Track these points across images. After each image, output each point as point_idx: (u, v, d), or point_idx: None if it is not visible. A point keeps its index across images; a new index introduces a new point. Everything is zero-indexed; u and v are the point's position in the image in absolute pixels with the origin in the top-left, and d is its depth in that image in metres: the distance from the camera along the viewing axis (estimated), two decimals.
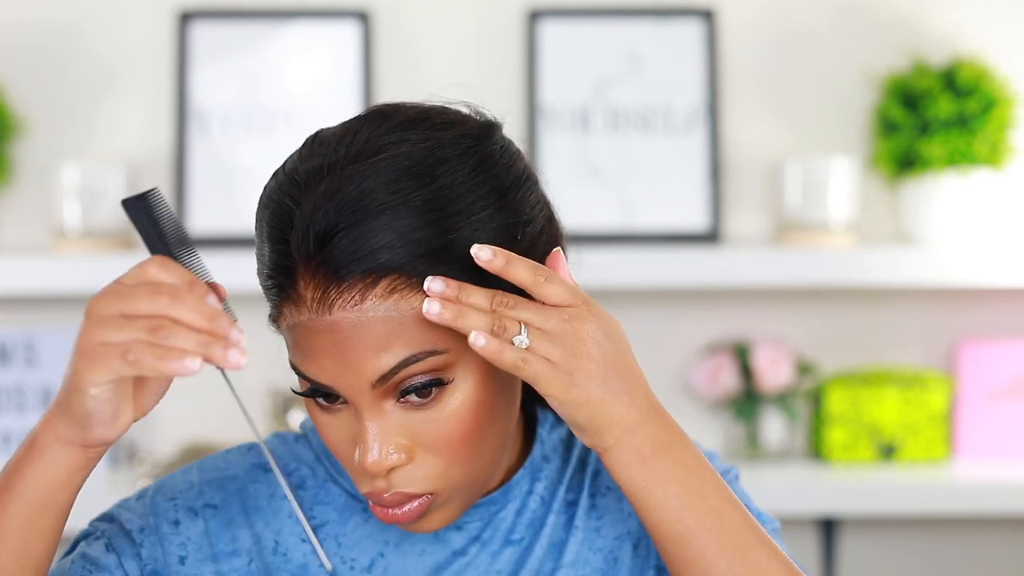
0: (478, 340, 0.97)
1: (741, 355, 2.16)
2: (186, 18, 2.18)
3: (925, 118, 2.09)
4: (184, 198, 2.15)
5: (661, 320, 2.20)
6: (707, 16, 2.19)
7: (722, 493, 1.02)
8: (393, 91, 2.14)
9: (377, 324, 0.98)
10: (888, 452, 2.15)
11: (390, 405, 1.00)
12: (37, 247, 2.17)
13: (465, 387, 1.01)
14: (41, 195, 2.16)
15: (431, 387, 1.00)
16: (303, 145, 1.05)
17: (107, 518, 1.12)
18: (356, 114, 1.07)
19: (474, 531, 1.11)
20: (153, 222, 0.96)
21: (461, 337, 0.98)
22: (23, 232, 2.19)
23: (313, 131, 1.06)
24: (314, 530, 1.11)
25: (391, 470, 1.01)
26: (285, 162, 1.04)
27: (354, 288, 0.97)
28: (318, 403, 1.03)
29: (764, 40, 2.21)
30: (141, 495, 1.13)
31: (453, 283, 0.97)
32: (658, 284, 2.05)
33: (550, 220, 1.11)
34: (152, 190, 0.97)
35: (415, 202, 0.99)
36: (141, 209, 0.96)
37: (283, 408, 2.11)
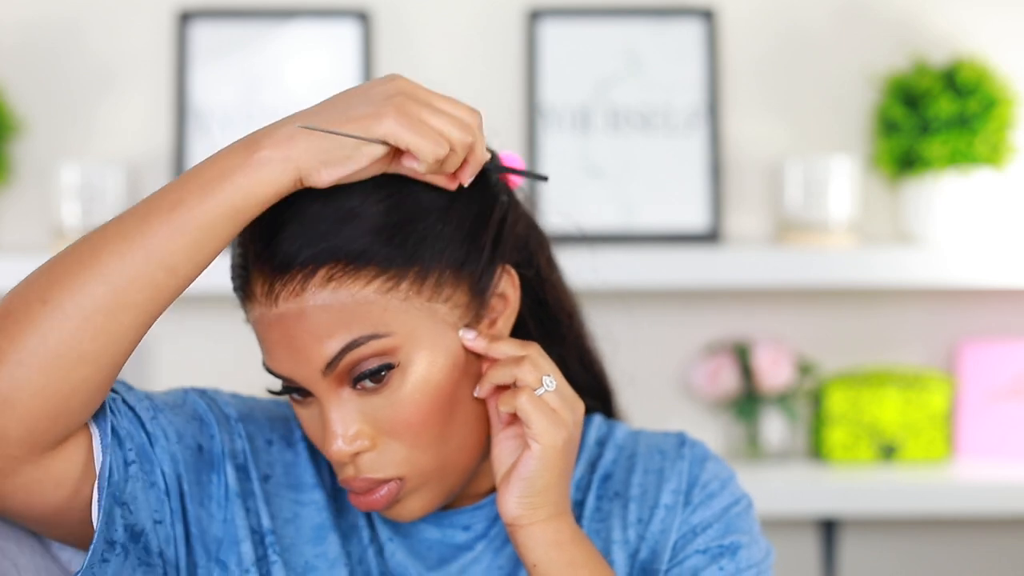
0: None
1: (741, 355, 2.16)
2: (186, 18, 2.18)
3: (926, 118, 2.08)
4: None
5: (661, 320, 2.20)
6: (707, 16, 2.19)
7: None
8: None
9: (318, 312, 1.00)
10: (888, 452, 2.15)
11: (347, 392, 1.03)
12: (37, 247, 2.17)
13: (417, 370, 1.03)
14: (41, 195, 2.16)
15: (382, 371, 1.02)
16: None
17: (202, 391, 1.14)
18: None
19: (480, 529, 1.13)
20: None
21: (404, 320, 1.01)
22: (23, 232, 2.19)
23: None
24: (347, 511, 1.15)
25: (356, 456, 1.04)
26: None
27: (295, 279, 1.00)
28: (294, 399, 1.07)
29: (764, 40, 2.21)
30: (236, 395, 1.17)
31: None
32: (658, 284, 2.05)
33: (518, 208, 1.13)
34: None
35: (355, 190, 1.02)
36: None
37: None
